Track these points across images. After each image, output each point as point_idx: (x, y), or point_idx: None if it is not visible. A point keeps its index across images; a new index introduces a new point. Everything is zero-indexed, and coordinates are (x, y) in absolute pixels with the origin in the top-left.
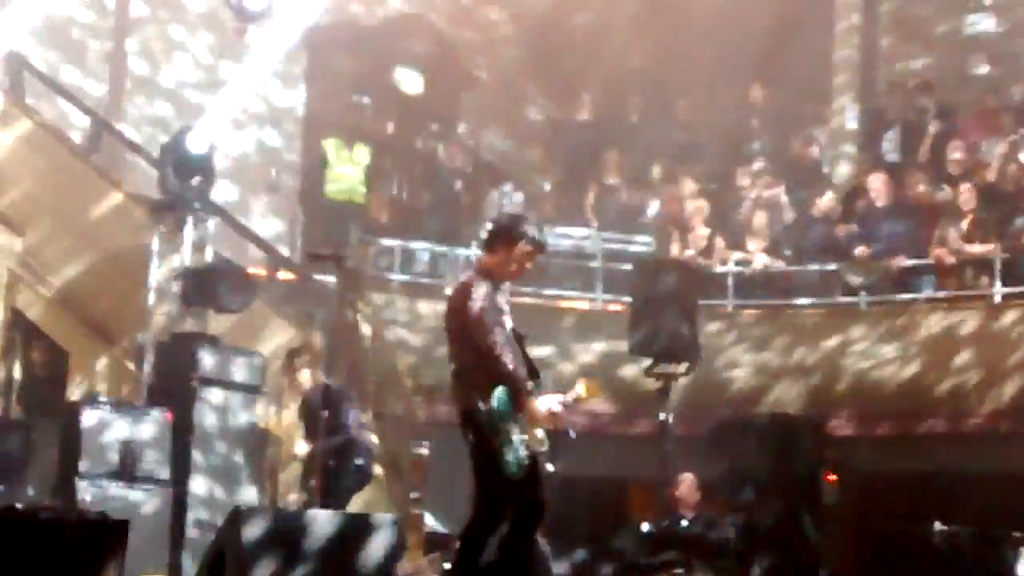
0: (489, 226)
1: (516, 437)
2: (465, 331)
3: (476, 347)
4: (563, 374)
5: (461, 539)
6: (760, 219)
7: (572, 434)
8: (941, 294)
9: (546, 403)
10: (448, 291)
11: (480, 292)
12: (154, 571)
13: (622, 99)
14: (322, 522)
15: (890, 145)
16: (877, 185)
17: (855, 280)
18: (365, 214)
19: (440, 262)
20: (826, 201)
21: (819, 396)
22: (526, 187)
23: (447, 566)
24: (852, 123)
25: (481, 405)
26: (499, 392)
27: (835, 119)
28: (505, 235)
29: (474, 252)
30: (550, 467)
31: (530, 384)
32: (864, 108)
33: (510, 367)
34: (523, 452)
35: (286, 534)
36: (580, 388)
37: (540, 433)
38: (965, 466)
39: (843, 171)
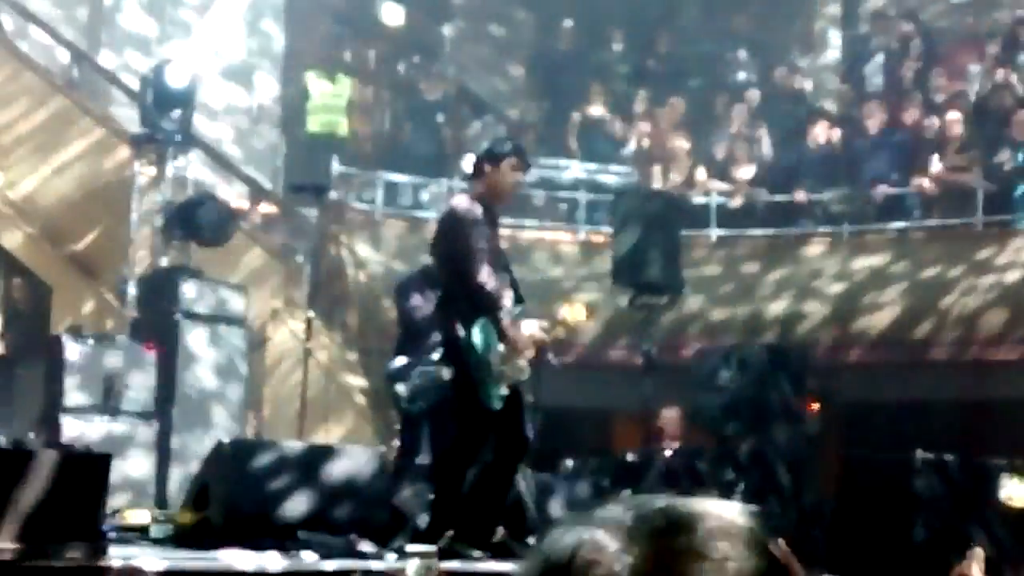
0: (472, 155)
1: (497, 368)
2: (452, 258)
3: (461, 274)
4: (545, 306)
5: (434, 468)
6: (743, 150)
7: (555, 361)
8: (926, 223)
9: (529, 327)
10: (434, 216)
11: (470, 217)
12: (139, 505)
13: (604, 28)
14: (310, 454)
15: (874, 74)
16: (867, 113)
17: (839, 209)
18: (347, 147)
19: (423, 194)
20: (816, 129)
21: (803, 326)
22: (508, 118)
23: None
24: (835, 53)
25: (463, 335)
26: (482, 322)
27: (818, 49)
28: (488, 157)
29: (457, 183)
30: (530, 398)
31: (516, 309)
32: (847, 37)
33: (495, 296)
34: (504, 384)
35: (271, 466)
36: (565, 311)
37: (522, 362)
38: (948, 394)
39: (827, 101)
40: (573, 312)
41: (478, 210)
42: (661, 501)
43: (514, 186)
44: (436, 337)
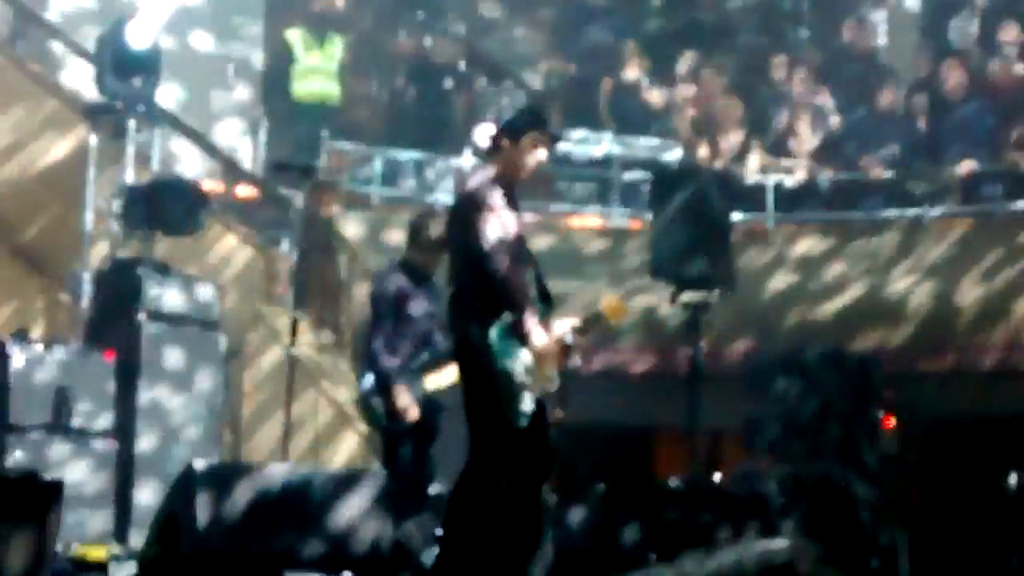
0: (487, 127)
1: (520, 377)
2: (469, 247)
3: (480, 267)
4: (576, 303)
5: (451, 494)
6: (804, 119)
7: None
8: (1019, 206)
9: (560, 328)
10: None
11: (489, 200)
12: (96, 540)
13: None
14: (296, 479)
15: (959, 30)
16: (951, 75)
17: (919, 190)
18: (339, 117)
19: (428, 173)
20: (887, 95)
21: (876, 327)
22: (528, 84)
23: (439, 532)
24: (913, 5)
25: (479, 336)
26: (502, 322)
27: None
28: (507, 131)
29: (469, 161)
30: (559, 412)
31: (542, 309)
32: None
33: (519, 292)
34: (527, 395)
35: (250, 494)
36: (601, 307)
37: (550, 371)
38: None
39: (904, 62)
40: (610, 308)
41: (497, 193)
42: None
43: (537, 164)
44: (420, 341)
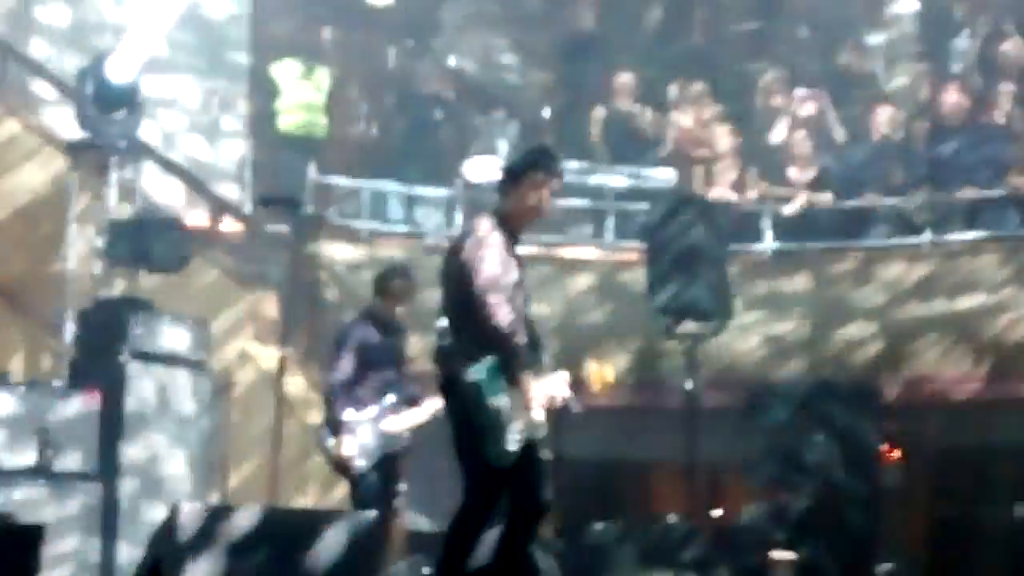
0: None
1: (505, 417)
2: (463, 284)
3: (471, 305)
4: (566, 338)
5: (446, 537)
6: (802, 142)
7: (575, 408)
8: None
9: (553, 383)
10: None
11: (492, 242)
12: None
13: (633, 5)
14: (281, 522)
15: (959, 53)
16: (951, 99)
17: (919, 216)
18: (326, 150)
19: (417, 207)
20: (885, 117)
21: (878, 356)
22: (521, 114)
23: (426, 571)
24: (911, 26)
25: (465, 374)
26: (488, 361)
27: (891, 22)
28: (509, 174)
29: (460, 193)
30: (546, 454)
31: (534, 356)
32: (926, 8)
33: (509, 333)
34: (513, 436)
35: (238, 537)
36: (592, 371)
37: (538, 416)
38: None
39: (901, 84)
40: (601, 373)
41: (499, 234)
42: None
43: (546, 203)
44: (382, 390)
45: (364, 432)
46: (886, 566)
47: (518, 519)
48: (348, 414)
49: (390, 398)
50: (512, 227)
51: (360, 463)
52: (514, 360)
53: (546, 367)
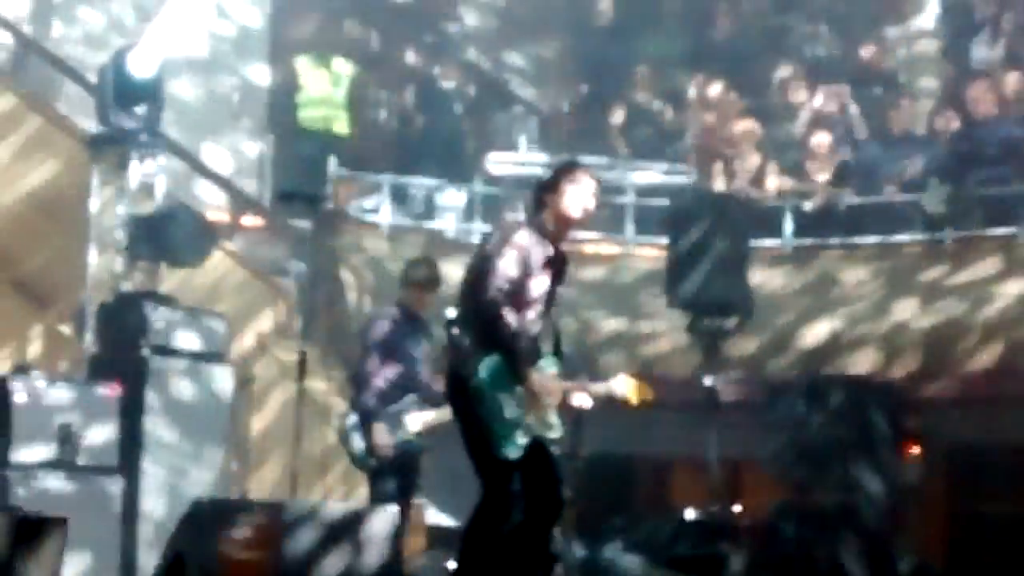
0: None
1: (510, 412)
2: (478, 280)
3: (479, 299)
4: (586, 338)
5: (464, 533)
6: (822, 138)
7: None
8: None
9: (577, 399)
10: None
11: (519, 245)
12: None
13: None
14: (305, 515)
15: (982, 49)
16: (976, 93)
17: (939, 211)
18: (347, 145)
19: (438, 200)
20: (907, 113)
21: (898, 352)
22: (540, 109)
23: (451, 565)
24: (933, 22)
25: (471, 367)
26: (495, 358)
27: (913, 18)
28: (540, 190)
29: (479, 188)
30: (555, 450)
31: (551, 361)
32: (949, 4)
33: (509, 333)
34: (520, 432)
35: (261, 530)
36: (626, 388)
37: (551, 418)
38: None
39: (923, 82)
40: (638, 390)
41: (538, 250)
42: None
43: (583, 199)
44: (408, 383)
45: (386, 426)
46: (906, 562)
47: (534, 515)
48: (374, 407)
49: (412, 396)
50: (551, 235)
51: (390, 451)
52: (517, 360)
53: (563, 373)
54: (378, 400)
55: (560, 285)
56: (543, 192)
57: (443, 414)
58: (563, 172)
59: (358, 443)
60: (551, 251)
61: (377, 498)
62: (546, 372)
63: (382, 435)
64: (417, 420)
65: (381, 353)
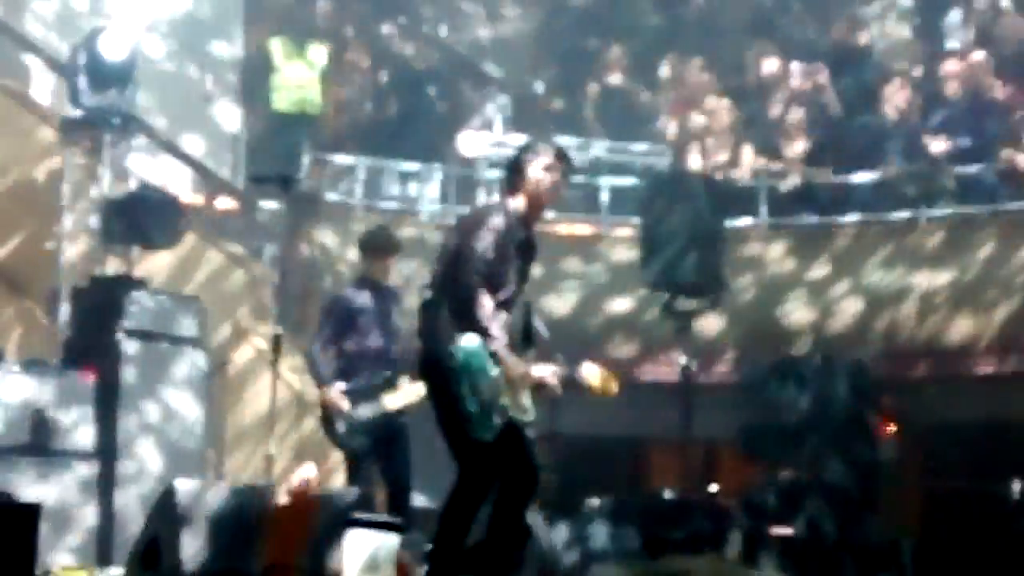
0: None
1: (485, 394)
2: (453, 259)
3: (456, 282)
4: (560, 319)
5: (441, 513)
6: (797, 117)
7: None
8: (1012, 206)
9: (539, 371)
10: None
11: (495, 227)
12: (77, 564)
13: None
14: (276, 499)
15: (954, 28)
16: (950, 72)
17: (912, 191)
18: (320, 127)
19: (412, 183)
20: (888, 94)
21: (874, 332)
22: (513, 89)
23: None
24: (906, 1)
25: (444, 345)
26: (469, 339)
27: None
28: (511, 171)
29: (453, 170)
30: (530, 433)
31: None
32: None
33: (483, 313)
34: (495, 414)
35: (235, 515)
36: (591, 375)
37: (525, 401)
38: None
39: (896, 61)
40: (602, 380)
41: (513, 233)
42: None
43: (554, 182)
44: (377, 356)
45: (359, 406)
46: (883, 540)
47: (509, 494)
48: (339, 385)
49: (385, 372)
50: (524, 217)
51: (346, 405)
52: (493, 342)
53: (537, 357)
54: (336, 371)
55: (530, 266)
56: (515, 174)
57: (418, 391)
58: (534, 153)
59: (340, 425)
60: (523, 233)
61: (355, 480)
62: (532, 367)
63: (335, 393)
64: (394, 399)
65: (342, 324)
